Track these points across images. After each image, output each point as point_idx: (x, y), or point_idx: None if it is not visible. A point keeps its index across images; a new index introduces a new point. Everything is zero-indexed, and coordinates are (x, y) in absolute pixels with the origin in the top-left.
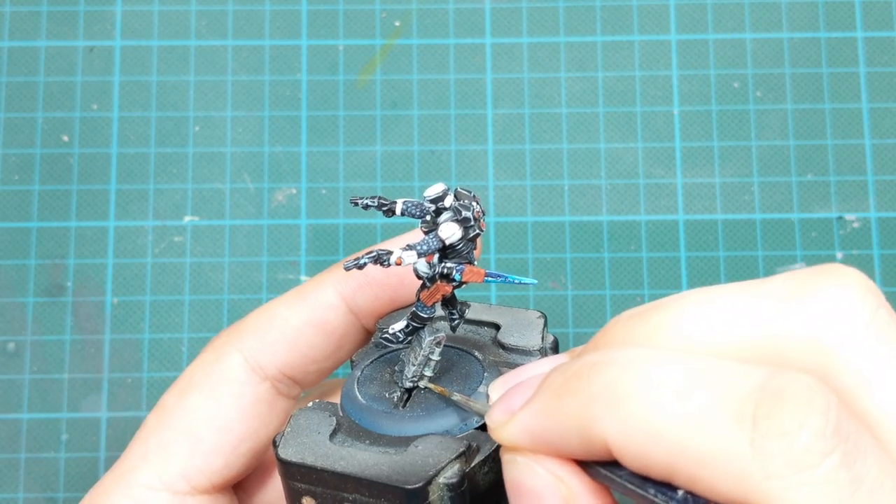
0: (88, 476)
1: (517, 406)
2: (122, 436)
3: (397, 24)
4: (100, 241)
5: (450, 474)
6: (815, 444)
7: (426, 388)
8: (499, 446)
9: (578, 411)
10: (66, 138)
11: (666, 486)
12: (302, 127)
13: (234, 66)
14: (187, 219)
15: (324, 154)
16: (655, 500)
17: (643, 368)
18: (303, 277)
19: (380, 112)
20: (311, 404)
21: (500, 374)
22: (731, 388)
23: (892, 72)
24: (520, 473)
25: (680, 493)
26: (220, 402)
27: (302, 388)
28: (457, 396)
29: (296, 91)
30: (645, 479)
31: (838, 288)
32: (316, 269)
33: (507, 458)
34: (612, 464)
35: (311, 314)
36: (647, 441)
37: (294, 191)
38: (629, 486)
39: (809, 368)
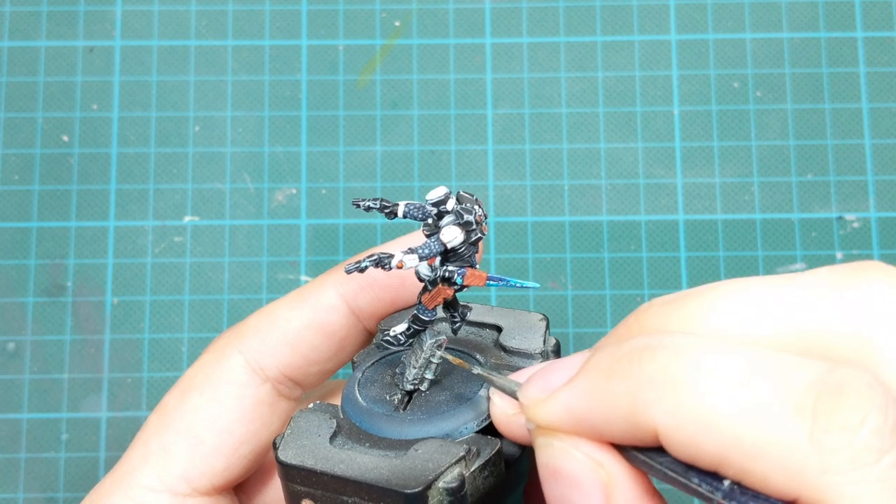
0: (88, 476)
1: (556, 385)
2: (122, 436)
3: (397, 24)
4: (100, 241)
5: (449, 479)
6: (875, 441)
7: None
8: (499, 451)
9: (628, 394)
10: (66, 138)
11: (711, 476)
12: (302, 127)
13: (234, 66)
14: (187, 219)
15: (324, 154)
16: (699, 489)
17: (699, 355)
18: (303, 277)
19: (380, 112)
20: (311, 406)
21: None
22: (790, 380)
23: (892, 72)
24: (556, 458)
25: (726, 483)
26: (221, 404)
27: (303, 390)
28: (478, 370)
29: (296, 91)
30: (689, 468)
31: (880, 284)
32: (316, 268)
33: (541, 442)
34: (652, 449)
35: (313, 316)
36: (699, 429)
37: (294, 191)
38: (670, 473)
39: (849, 363)
